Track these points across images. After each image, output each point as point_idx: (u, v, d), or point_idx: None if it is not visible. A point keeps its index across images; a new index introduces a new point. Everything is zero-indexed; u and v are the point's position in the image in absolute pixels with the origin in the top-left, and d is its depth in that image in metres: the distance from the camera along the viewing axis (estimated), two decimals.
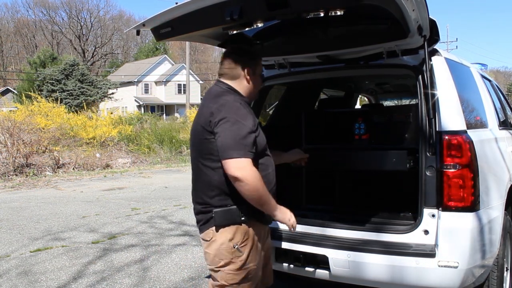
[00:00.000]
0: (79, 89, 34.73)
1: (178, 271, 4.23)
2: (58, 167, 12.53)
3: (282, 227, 2.84)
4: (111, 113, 22.76)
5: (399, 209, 2.98)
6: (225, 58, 2.29)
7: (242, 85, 2.27)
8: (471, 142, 2.43)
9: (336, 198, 3.24)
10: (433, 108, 2.46)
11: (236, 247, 2.12)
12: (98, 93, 35.57)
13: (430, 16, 2.33)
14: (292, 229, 2.26)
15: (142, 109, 45.05)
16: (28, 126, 12.61)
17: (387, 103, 6.13)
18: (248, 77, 2.26)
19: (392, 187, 3.33)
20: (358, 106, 6.09)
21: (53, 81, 35.21)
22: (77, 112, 18.61)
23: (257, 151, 2.12)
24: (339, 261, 2.54)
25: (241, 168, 2.01)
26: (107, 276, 4.14)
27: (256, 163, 2.11)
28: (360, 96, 6.17)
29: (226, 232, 2.13)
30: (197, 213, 2.25)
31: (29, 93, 16.35)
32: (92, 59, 63.95)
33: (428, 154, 2.43)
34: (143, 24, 2.45)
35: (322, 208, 3.18)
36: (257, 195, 2.04)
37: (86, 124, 15.57)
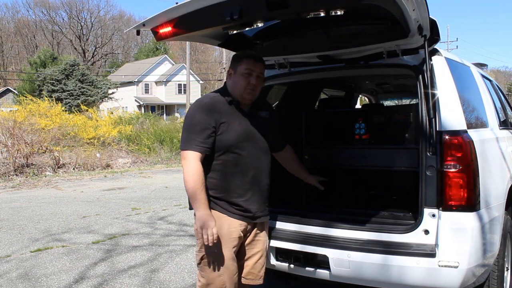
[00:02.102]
0: (79, 89, 34.75)
1: (179, 271, 4.24)
2: (58, 167, 12.52)
3: (283, 227, 2.85)
4: (111, 113, 22.73)
5: (399, 208, 2.98)
6: None
7: (228, 85, 2.49)
8: (471, 142, 2.43)
9: (336, 198, 3.24)
10: (434, 107, 2.45)
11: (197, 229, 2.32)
12: (98, 93, 35.58)
13: (430, 16, 2.33)
14: (204, 240, 2.27)
15: (143, 109, 45.07)
16: (29, 127, 12.61)
17: (387, 103, 6.13)
18: (230, 77, 2.48)
19: (392, 187, 3.33)
20: (358, 106, 6.09)
21: (54, 81, 35.23)
22: (79, 112, 18.59)
23: (217, 148, 2.32)
24: (339, 261, 2.53)
25: (184, 158, 2.29)
26: (107, 276, 4.14)
27: (210, 159, 2.33)
28: (360, 96, 6.17)
29: (196, 217, 2.35)
30: None
31: (26, 95, 16.38)
32: (92, 59, 63.97)
33: (428, 154, 2.42)
34: (143, 24, 2.45)
35: (322, 208, 3.17)
36: (187, 188, 2.26)
37: (86, 124, 15.57)
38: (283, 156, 2.84)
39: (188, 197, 2.34)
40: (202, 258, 2.38)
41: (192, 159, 2.26)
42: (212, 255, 2.34)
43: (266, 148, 2.51)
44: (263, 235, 2.56)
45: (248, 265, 2.53)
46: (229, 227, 2.37)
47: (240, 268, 2.51)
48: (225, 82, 2.54)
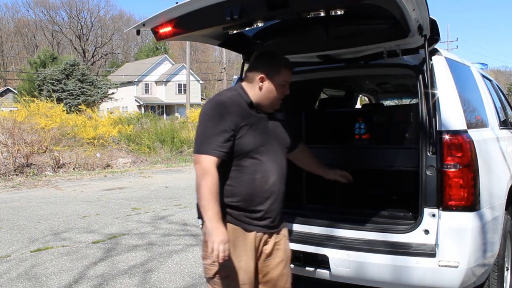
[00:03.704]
0: (79, 89, 34.77)
1: (179, 271, 4.24)
2: (58, 167, 12.52)
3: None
4: (111, 113, 22.74)
5: (399, 208, 2.98)
6: (251, 60, 2.29)
7: (254, 90, 2.22)
8: (471, 142, 2.43)
9: (336, 198, 3.24)
10: (434, 107, 2.46)
11: (207, 241, 2.14)
12: (98, 93, 35.61)
13: (431, 16, 2.33)
14: (214, 256, 2.02)
15: (143, 109, 45.09)
16: (29, 126, 12.62)
17: (387, 102, 6.14)
18: (261, 84, 2.20)
19: (392, 187, 3.33)
20: (358, 106, 6.09)
21: (54, 81, 35.25)
22: (79, 112, 18.61)
23: (236, 152, 2.12)
24: (340, 260, 2.53)
25: (198, 163, 2.07)
26: (107, 276, 4.14)
27: (227, 164, 2.12)
28: (360, 96, 6.18)
29: (204, 227, 2.16)
30: None
31: (26, 95, 16.42)
32: (92, 59, 63.98)
33: (428, 153, 2.43)
34: (143, 24, 2.45)
35: (322, 208, 3.17)
36: (199, 196, 2.05)
37: (86, 124, 15.58)
38: (298, 156, 2.67)
39: (197, 205, 2.18)
40: (216, 273, 2.17)
41: (207, 165, 2.04)
42: (226, 269, 2.15)
43: (284, 152, 2.34)
44: (283, 243, 2.35)
45: (272, 278, 2.32)
46: (244, 239, 2.19)
47: (257, 283, 2.31)
48: (240, 81, 2.33)
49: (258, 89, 2.21)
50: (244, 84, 2.26)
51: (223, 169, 2.12)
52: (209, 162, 2.05)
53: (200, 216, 2.21)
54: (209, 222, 2.03)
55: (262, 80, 2.20)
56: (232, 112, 2.10)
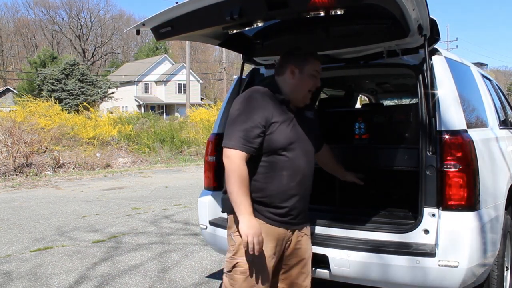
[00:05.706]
0: (79, 88, 34.78)
1: (178, 270, 4.24)
2: (58, 167, 12.52)
3: None
4: (111, 113, 22.73)
5: (399, 208, 2.98)
6: (281, 56, 2.37)
7: (285, 81, 2.27)
8: (471, 142, 2.43)
9: (336, 198, 3.24)
10: (433, 107, 2.46)
11: (231, 234, 2.21)
12: (98, 92, 35.61)
13: (430, 16, 2.33)
14: (247, 248, 2.06)
15: (142, 108, 45.11)
16: (28, 126, 12.62)
17: (387, 102, 6.13)
18: (291, 74, 2.26)
19: (392, 187, 3.32)
20: (358, 105, 6.09)
21: (53, 81, 35.27)
22: (78, 112, 18.61)
23: (265, 148, 2.14)
24: (339, 260, 2.53)
25: (227, 157, 2.08)
26: (107, 276, 4.14)
27: (255, 160, 2.14)
28: (360, 95, 6.18)
29: (229, 221, 2.23)
30: None
31: (25, 96, 16.45)
32: (92, 58, 64.02)
33: (428, 153, 2.43)
34: (143, 24, 2.45)
35: (322, 207, 3.17)
36: (230, 189, 2.08)
37: (86, 124, 15.58)
38: (322, 156, 2.70)
39: (222, 199, 2.21)
40: (234, 266, 2.19)
41: (236, 159, 2.06)
42: (246, 264, 2.16)
43: (313, 150, 2.35)
44: (305, 243, 2.37)
45: (291, 275, 2.34)
46: (266, 235, 2.17)
47: (276, 281, 2.33)
48: (273, 79, 2.34)
49: (289, 80, 2.26)
50: (277, 78, 2.31)
51: (251, 165, 2.14)
52: (238, 156, 2.07)
53: (224, 210, 2.28)
54: (241, 216, 2.07)
55: (292, 71, 2.25)
56: (263, 107, 2.13)
